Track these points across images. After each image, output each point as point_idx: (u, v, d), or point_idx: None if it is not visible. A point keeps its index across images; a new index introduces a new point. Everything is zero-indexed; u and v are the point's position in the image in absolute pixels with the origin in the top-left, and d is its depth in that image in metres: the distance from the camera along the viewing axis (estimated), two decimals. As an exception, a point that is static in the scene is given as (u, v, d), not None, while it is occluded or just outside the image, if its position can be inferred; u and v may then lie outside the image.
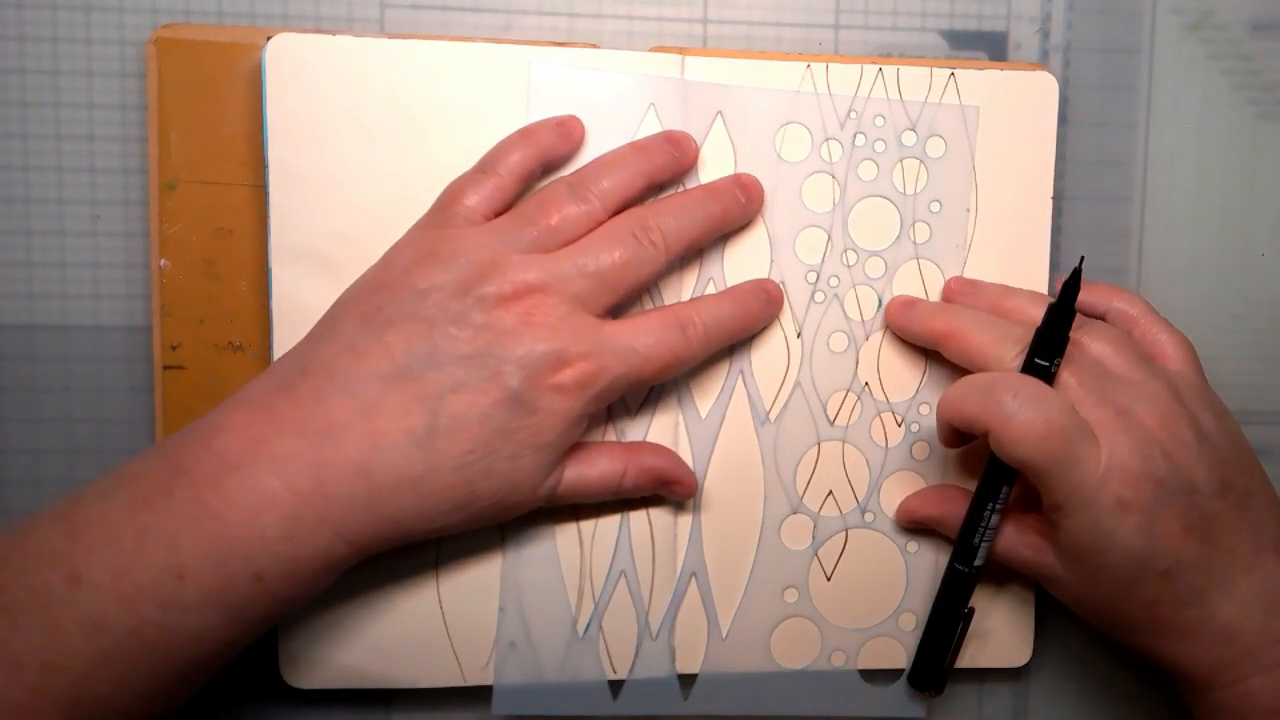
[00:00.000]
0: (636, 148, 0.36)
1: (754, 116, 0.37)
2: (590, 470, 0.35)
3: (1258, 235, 0.42)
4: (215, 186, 0.37)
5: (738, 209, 0.37)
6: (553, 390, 0.33)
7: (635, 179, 0.35)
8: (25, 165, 0.37)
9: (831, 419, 0.39)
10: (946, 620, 0.37)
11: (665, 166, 0.36)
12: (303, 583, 0.31)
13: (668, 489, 0.37)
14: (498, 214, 0.35)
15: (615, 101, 0.37)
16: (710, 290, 0.38)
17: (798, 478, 0.39)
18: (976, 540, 0.36)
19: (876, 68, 0.38)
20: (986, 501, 0.35)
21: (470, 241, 0.33)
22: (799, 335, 0.38)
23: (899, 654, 0.40)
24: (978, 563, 0.36)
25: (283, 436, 0.31)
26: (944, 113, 0.38)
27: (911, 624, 0.40)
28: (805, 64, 0.38)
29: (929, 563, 0.39)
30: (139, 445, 0.38)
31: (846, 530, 0.39)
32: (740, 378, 0.38)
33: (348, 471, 0.31)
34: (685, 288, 0.38)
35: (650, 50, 0.38)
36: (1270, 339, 0.42)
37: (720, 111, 0.37)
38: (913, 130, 0.38)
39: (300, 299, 0.36)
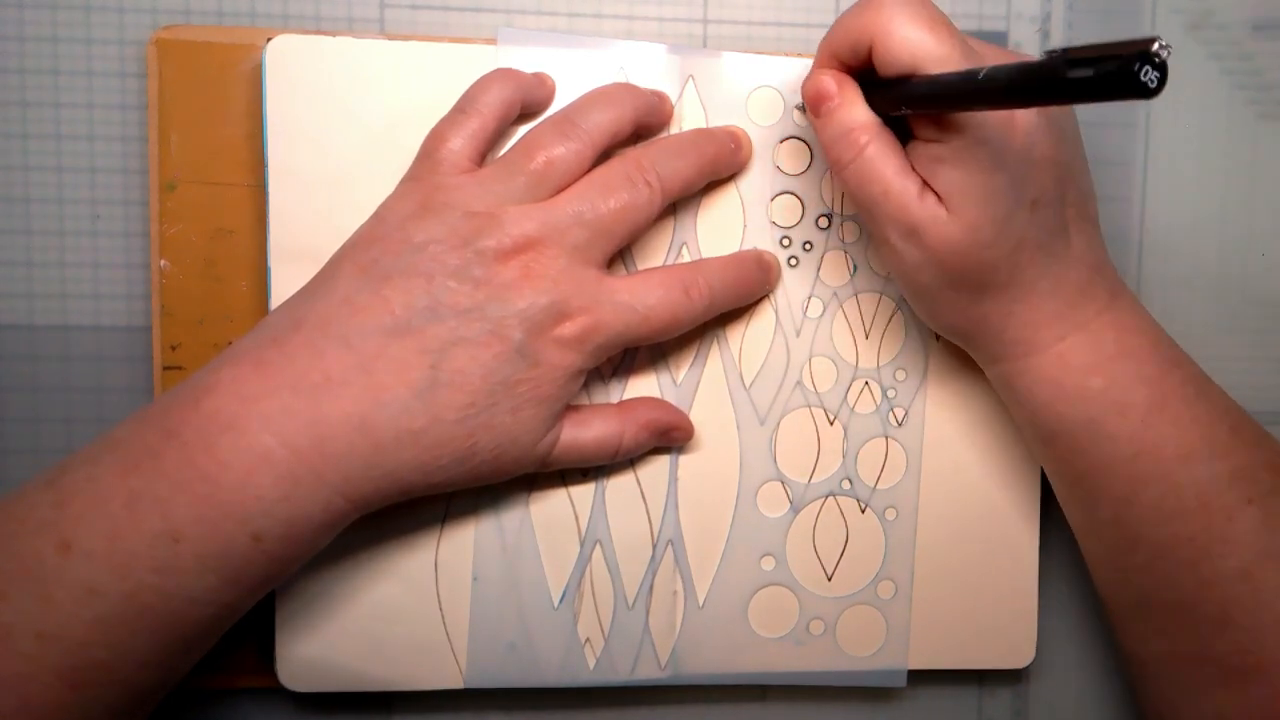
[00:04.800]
0: (624, 85, 0.36)
1: (725, 81, 0.37)
2: (586, 432, 0.35)
3: (1258, 235, 0.42)
4: (215, 186, 0.37)
5: (729, 155, 0.37)
6: (554, 344, 0.33)
7: (624, 114, 0.35)
8: (25, 165, 0.37)
9: (808, 385, 0.39)
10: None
11: (653, 107, 0.36)
12: (302, 542, 0.31)
13: (668, 438, 0.37)
14: (483, 154, 0.34)
15: (584, 70, 0.37)
16: (685, 255, 0.38)
17: (774, 445, 0.39)
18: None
19: (876, 68, 0.38)
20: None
21: (463, 192, 0.33)
22: (773, 300, 0.38)
23: (878, 622, 0.40)
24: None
25: (275, 392, 0.30)
26: None
27: (890, 592, 0.40)
28: (805, 63, 0.38)
29: (908, 531, 0.39)
30: (139, 445, 0.38)
31: (824, 498, 0.39)
32: (716, 343, 0.38)
33: (347, 427, 0.31)
34: (659, 252, 0.37)
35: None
36: (1270, 339, 0.42)
37: (691, 76, 0.37)
38: None
39: (300, 299, 0.36)
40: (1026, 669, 0.41)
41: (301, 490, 0.30)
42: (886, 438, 0.39)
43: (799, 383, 0.39)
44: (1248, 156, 0.41)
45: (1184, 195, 0.41)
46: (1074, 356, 0.33)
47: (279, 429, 0.30)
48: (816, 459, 0.39)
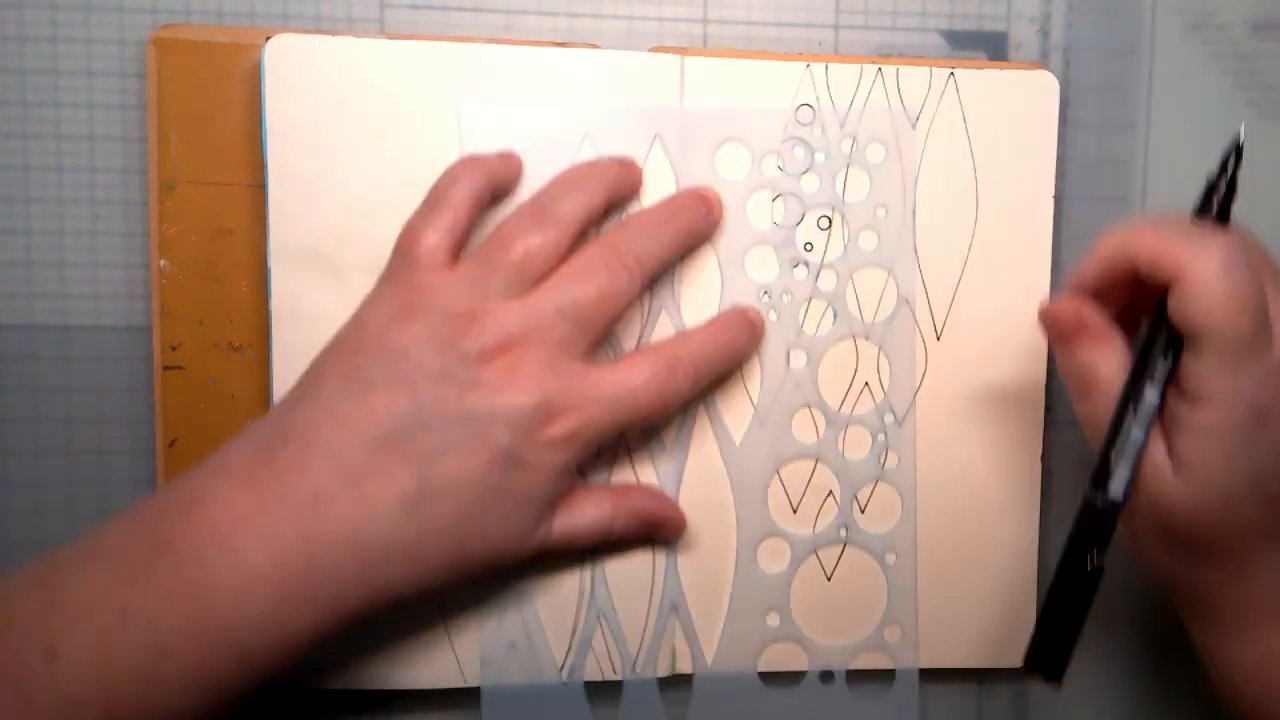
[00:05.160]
0: (591, 164, 0.36)
1: (691, 136, 0.37)
2: (580, 518, 0.35)
3: (1258, 235, 0.42)
4: (215, 186, 0.37)
5: (702, 221, 0.36)
6: (543, 445, 0.32)
7: (595, 196, 0.35)
8: (25, 165, 0.37)
9: (797, 436, 0.39)
10: (1069, 586, 0.33)
11: (623, 181, 0.36)
12: (288, 658, 0.31)
13: (658, 530, 0.37)
14: (460, 247, 0.34)
15: (549, 135, 0.36)
16: (664, 320, 0.37)
17: (769, 500, 0.39)
18: (1116, 451, 0.31)
19: (876, 68, 0.38)
20: (1142, 381, 0.31)
21: (443, 293, 0.32)
22: (758, 354, 0.38)
23: (887, 666, 0.40)
24: (1115, 494, 0.32)
25: (267, 510, 0.30)
26: (878, 117, 0.38)
27: (897, 636, 0.40)
28: (805, 64, 0.38)
29: (909, 573, 0.39)
30: (139, 445, 0.38)
31: (825, 547, 0.39)
32: (702, 402, 0.38)
33: (337, 544, 0.30)
34: (633, 320, 0.37)
35: (650, 50, 0.38)
36: (1270, 339, 0.42)
37: (657, 135, 0.37)
38: (851, 138, 0.38)
39: (300, 299, 0.36)
40: (1026, 669, 0.41)
41: (291, 609, 0.30)
42: (881, 482, 0.39)
43: (789, 435, 0.39)
44: (1248, 156, 0.41)
45: (1184, 195, 0.41)
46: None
47: (270, 548, 0.30)
48: (813, 509, 0.39)
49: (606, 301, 0.33)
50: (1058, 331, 0.33)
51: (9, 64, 0.37)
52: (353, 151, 0.36)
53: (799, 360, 0.38)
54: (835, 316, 0.38)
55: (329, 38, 0.36)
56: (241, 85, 0.36)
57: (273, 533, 0.30)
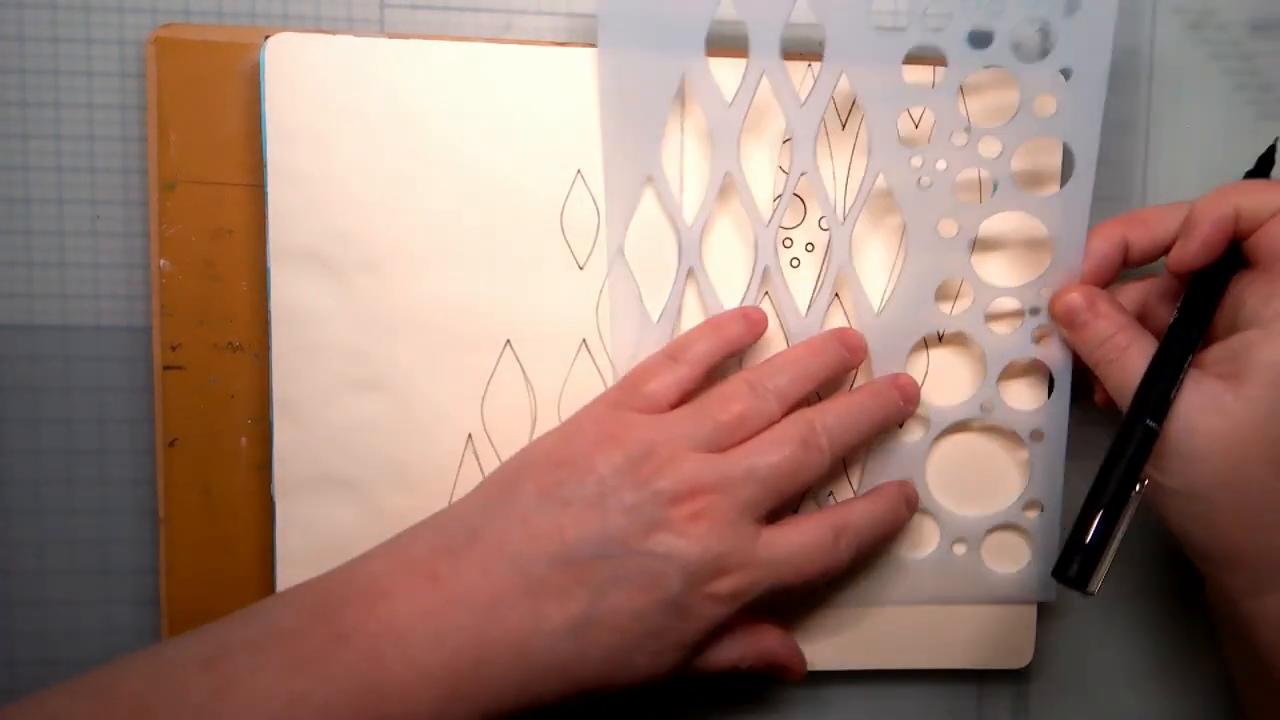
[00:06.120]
0: (810, 347, 0.37)
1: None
2: (713, 659, 0.35)
3: (1258, 235, 0.42)
4: (214, 186, 0.37)
5: (896, 411, 0.38)
6: (708, 598, 0.33)
7: (809, 380, 0.36)
8: (25, 165, 0.37)
9: (943, 309, 0.38)
10: (1108, 497, 0.34)
11: (835, 366, 0.37)
12: None
13: (780, 674, 0.38)
14: (681, 402, 0.35)
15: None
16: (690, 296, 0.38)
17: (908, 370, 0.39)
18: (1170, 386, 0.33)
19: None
20: (1192, 326, 0.34)
21: (652, 431, 0.34)
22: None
23: (1022, 547, 0.40)
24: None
25: (446, 609, 0.31)
26: (881, 115, 0.38)
27: (1035, 514, 0.40)
28: (807, 64, 0.38)
29: (1053, 453, 0.39)
30: (139, 445, 0.38)
31: (963, 421, 0.39)
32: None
33: (506, 652, 0.31)
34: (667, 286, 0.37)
35: (650, 50, 0.38)
36: (1270, 339, 0.42)
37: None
38: (853, 136, 0.38)
39: (299, 299, 0.36)
40: (1026, 669, 0.41)
41: (454, 710, 0.31)
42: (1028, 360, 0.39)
43: (932, 306, 0.39)
44: (1248, 156, 0.41)
45: (1184, 195, 0.41)
46: None
47: (445, 646, 0.31)
48: (955, 386, 0.39)
49: (796, 474, 0.34)
50: (1068, 315, 0.36)
51: (9, 64, 0.37)
52: (352, 151, 0.36)
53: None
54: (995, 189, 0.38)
55: (329, 37, 0.36)
56: (241, 85, 0.36)
57: (451, 631, 0.31)
